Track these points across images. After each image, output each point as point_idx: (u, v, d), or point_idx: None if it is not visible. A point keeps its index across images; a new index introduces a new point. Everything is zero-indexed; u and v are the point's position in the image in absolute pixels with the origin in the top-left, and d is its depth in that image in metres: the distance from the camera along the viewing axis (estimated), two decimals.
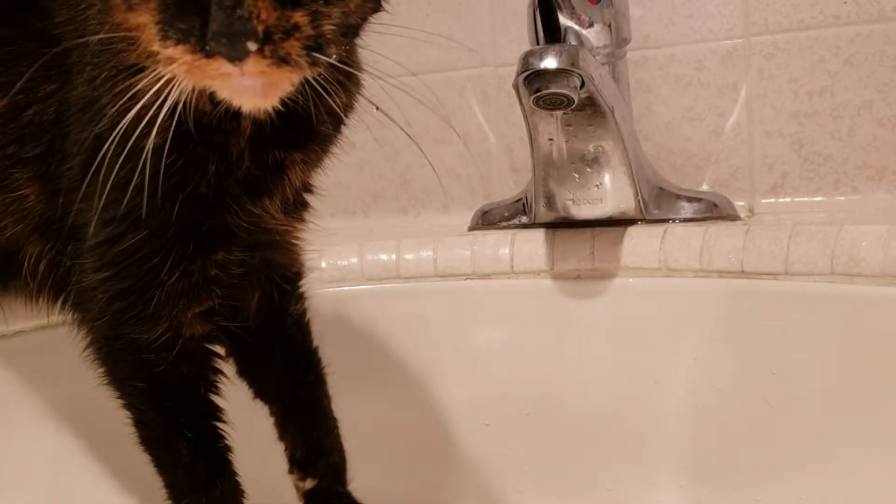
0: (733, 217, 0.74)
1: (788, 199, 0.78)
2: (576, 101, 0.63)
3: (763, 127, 0.78)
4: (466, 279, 0.76)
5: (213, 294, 0.51)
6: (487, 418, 0.74)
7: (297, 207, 0.55)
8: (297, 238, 0.56)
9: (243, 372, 0.60)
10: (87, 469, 0.69)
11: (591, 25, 0.69)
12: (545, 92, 0.62)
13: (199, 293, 0.50)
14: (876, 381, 0.60)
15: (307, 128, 0.49)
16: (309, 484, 0.59)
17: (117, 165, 0.45)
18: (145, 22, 0.39)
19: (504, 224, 0.79)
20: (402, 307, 0.77)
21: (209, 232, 0.49)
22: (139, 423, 0.54)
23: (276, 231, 0.54)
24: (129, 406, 0.54)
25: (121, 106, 0.44)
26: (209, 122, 0.45)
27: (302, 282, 0.59)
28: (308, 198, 0.56)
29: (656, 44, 0.80)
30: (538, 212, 0.74)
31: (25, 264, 0.54)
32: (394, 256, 0.78)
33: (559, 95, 0.62)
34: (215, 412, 0.55)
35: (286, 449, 0.60)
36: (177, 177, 0.46)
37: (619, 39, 0.71)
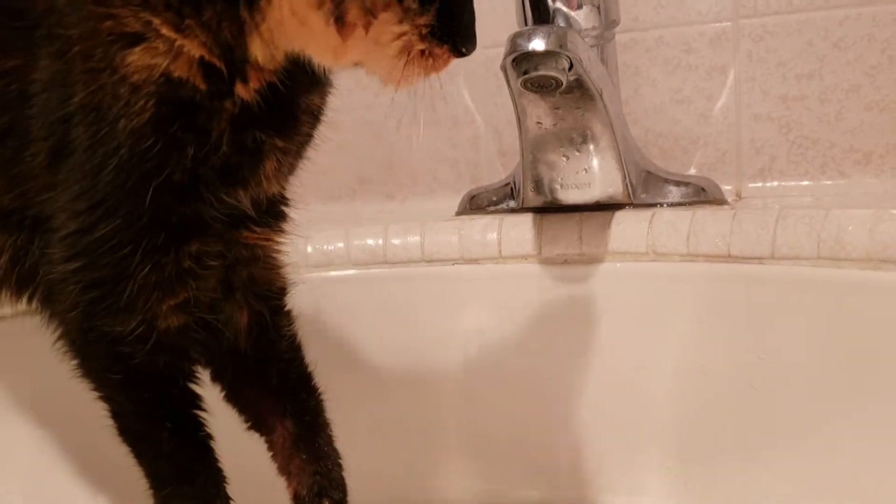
0: (721, 201, 0.74)
1: (776, 184, 0.78)
2: (564, 83, 0.63)
3: (751, 110, 0.78)
4: (454, 264, 0.76)
5: (188, 286, 0.49)
6: (475, 403, 0.74)
7: (275, 217, 0.54)
8: (277, 252, 0.55)
9: (233, 398, 0.57)
10: (66, 459, 0.68)
11: (579, 7, 0.69)
12: (533, 74, 0.61)
13: (172, 285, 0.48)
14: (861, 364, 0.61)
15: (292, 117, 0.48)
16: None
17: (89, 149, 0.44)
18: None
19: (492, 209, 0.78)
20: (390, 292, 0.76)
21: (182, 221, 0.47)
22: (117, 415, 0.52)
23: (257, 246, 0.53)
24: (105, 398, 0.52)
25: (98, 82, 0.43)
26: (196, 101, 0.44)
27: (287, 297, 0.57)
28: (286, 210, 0.54)
29: (645, 26, 0.79)
30: (526, 196, 0.74)
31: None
32: (381, 241, 0.78)
33: (547, 78, 0.62)
34: (194, 401, 0.53)
35: (289, 486, 0.57)
36: (153, 161, 0.44)
37: (607, 21, 0.71)
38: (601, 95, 0.67)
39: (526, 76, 0.62)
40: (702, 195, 0.74)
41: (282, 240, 0.54)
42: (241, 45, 0.44)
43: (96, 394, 0.53)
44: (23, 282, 0.53)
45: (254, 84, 0.45)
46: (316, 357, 0.62)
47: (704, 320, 0.68)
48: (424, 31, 0.43)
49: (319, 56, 0.44)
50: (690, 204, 0.73)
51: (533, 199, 0.74)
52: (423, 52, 0.44)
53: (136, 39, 0.43)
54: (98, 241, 0.46)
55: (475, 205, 0.80)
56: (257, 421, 0.57)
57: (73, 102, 0.44)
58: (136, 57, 0.42)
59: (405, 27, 0.43)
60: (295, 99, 0.47)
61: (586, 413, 0.71)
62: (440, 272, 0.76)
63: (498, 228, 0.75)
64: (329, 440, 0.58)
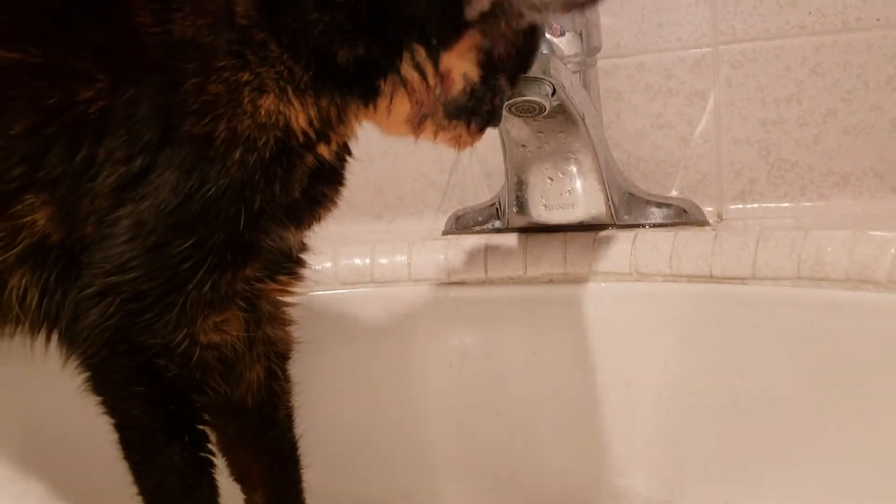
0: (702, 223, 0.75)
1: (756, 205, 0.79)
2: (547, 108, 0.64)
3: (731, 134, 0.79)
4: (440, 284, 0.77)
5: (235, 306, 0.53)
6: (461, 421, 0.74)
7: (297, 263, 0.59)
8: (291, 305, 0.60)
9: (227, 451, 0.60)
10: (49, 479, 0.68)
11: (562, 34, 0.70)
12: (518, 99, 0.62)
13: (223, 303, 0.52)
14: (841, 383, 0.61)
15: (340, 175, 0.57)
16: None
17: (187, 172, 0.48)
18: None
19: (477, 229, 0.79)
20: (376, 311, 0.77)
21: (247, 247, 0.52)
22: (127, 429, 0.53)
23: (278, 302, 0.58)
24: (116, 412, 0.53)
25: (217, 116, 0.48)
26: (295, 150, 0.51)
27: (291, 361, 0.61)
28: (306, 257, 0.60)
29: (626, 52, 0.81)
30: (511, 217, 0.75)
31: (12, 298, 0.52)
32: (368, 261, 0.78)
33: (531, 103, 0.63)
34: (202, 416, 0.55)
35: None
36: (251, 192, 0.50)
37: (589, 48, 0.72)
38: (584, 120, 0.68)
39: (510, 101, 0.63)
40: (684, 216, 0.75)
41: (298, 290, 0.59)
42: (338, 125, 0.53)
43: (105, 407, 0.53)
44: (45, 319, 0.53)
45: (333, 147, 0.54)
46: (302, 377, 0.63)
47: (687, 339, 0.69)
48: (475, 133, 0.56)
49: (391, 136, 0.56)
50: (673, 225, 0.74)
51: (517, 220, 0.75)
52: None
53: (268, 91, 0.50)
54: (167, 255, 0.49)
55: (461, 225, 0.81)
56: (243, 478, 0.61)
57: (179, 131, 0.48)
58: (271, 101, 0.49)
59: (461, 134, 0.56)
60: (344, 160, 0.56)
61: (572, 432, 0.72)
62: (427, 291, 0.77)
63: (484, 248, 0.76)
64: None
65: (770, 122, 0.78)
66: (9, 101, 0.49)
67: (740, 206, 0.80)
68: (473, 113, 0.54)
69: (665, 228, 0.74)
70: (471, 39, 0.51)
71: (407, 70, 0.51)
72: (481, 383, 0.74)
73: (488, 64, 0.52)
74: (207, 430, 0.55)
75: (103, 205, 0.50)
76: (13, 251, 0.51)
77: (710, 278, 0.69)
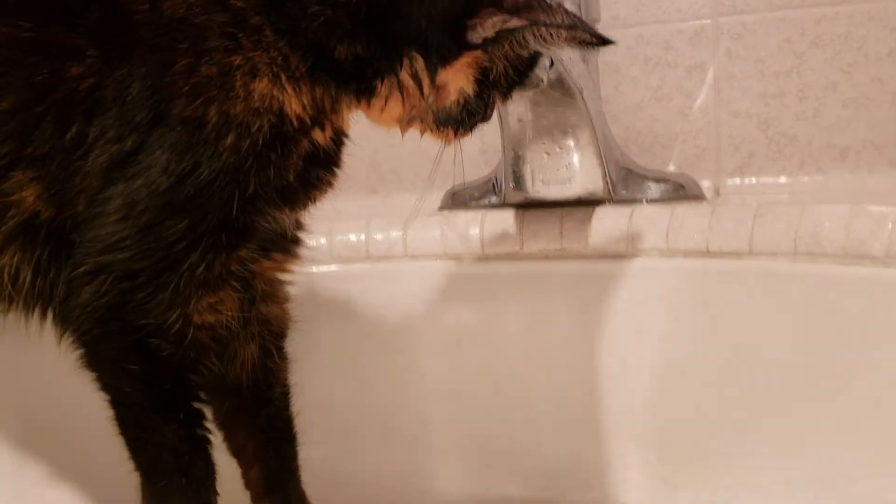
0: (699, 197, 0.75)
1: (754, 180, 0.79)
2: (545, 81, 0.63)
3: (730, 107, 0.79)
4: (436, 260, 0.76)
5: (229, 287, 0.53)
6: (457, 397, 0.74)
7: (294, 242, 0.58)
8: (288, 283, 0.60)
9: (223, 427, 0.60)
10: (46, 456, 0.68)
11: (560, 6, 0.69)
12: None
13: (217, 284, 0.52)
14: (838, 358, 0.62)
15: (337, 158, 0.56)
16: None
17: (179, 155, 0.48)
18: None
19: (474, 204, 0.79)
20: (372, 288, 0.76)
21: (241, 228, 0.51)
22: (121, 406, 0.53)
23: (273, 280, 0.58)
24: (111, 388, 0.53)
25: (209, 99, 0.48)
26: (290, 135, 0.51)
27: (288, 338, 0.61)
28: (302, 235, 0.59)
29: (625, 24, 0.80)
30: (508, 192, 0.75)
31: (4, 277, 0.52)
32: (363, 237, 0.78)
33: None
34: (198, 394, 0.55)
35: None
36: (245, 175, 0.49)
37: (588, 19, 0.71)
38: (581, 93, 0.67)
39: None
40: (681, 192, 0.74)
41: (295, 267, 0.59)
42: (331, 114, 0.53)
43: (99, 384, 0.53)
44: (39, 298, 0.54)
45: (328, 132, 0.54)
46: (297, 354, 0.63)
47: (683, 315, 0.69)
48: (463, 135, 0.57)
49: (378, 126, 0.57)
50: (669, 200, 0.74)
51: (514, 196, 0.74)
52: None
53: (261, 75, 0.49)
54: (160, 236, 0.49)
55: (457, 200, 0.80)
56: (239, 454, 0.61)
57: (170, 112, 0.48)
58: (264, 86, 0.49)
59: (449, 134, 0.56)
60: (340, 143, 0.56)
61: (568, 408, 0.72)
62: (423, 268, 0.76)
63: (480, 224, 0.75)
64: (298, 485, 0.62)
65: (770, 96, 0.77)
66: None
67: (738, 180, 0.79)
68: (462, 123, 0.55)
69: (662, 204, 0.73)
70: (470, 58, 0.52)
71: (405, 76, 0.52)
72: (477, 359, 0.74)
73: (484, 81, 0.53)
74: (203, 407, 0.55)
75: (94, 183, 0.50)
76: (1, 229, 0.50)
77: (707, 254, 0.69)
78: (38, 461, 0.69)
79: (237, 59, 0.49)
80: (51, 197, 0.50)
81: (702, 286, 0.69)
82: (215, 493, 0.55)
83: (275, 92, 0.50)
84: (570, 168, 0.71)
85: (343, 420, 0.72)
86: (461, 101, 0.53)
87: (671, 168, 0.80)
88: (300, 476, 0.62)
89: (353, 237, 0.78)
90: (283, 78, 0.50)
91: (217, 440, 0.58)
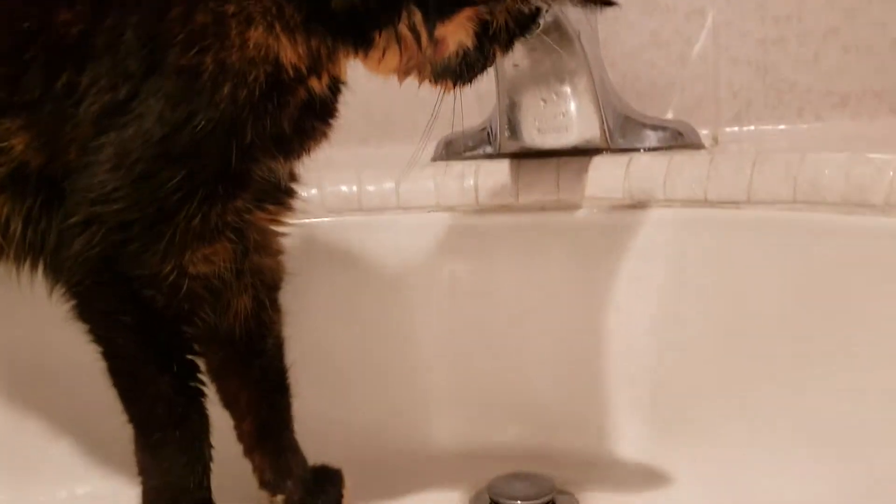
0: (697, 146, 0.74)
1: (752, 128, 0.78)
2: (541, 24, 0.61)
3: (729, 53, 0.77)
4: (430, 211, 0.75)
5: (225, 237, 0.52)
6: (452, 349, 0.74)
7: (287, 194, 0.57)
8: (282, 235, 0.59)
9: (216, 378, 0.60)
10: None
11: None
12: None
13: (212, 235, 0.51)
14: (837, 307, 0.61)
15: (333, 107, 0.56)
16: (280, 499, 0.61)
17: (174, 105, 0.47)
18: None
19: (468, 154, 0.77)
20: (365, 240, 0.75)
21: (237, 178, 0.51)
22: (115, 357, 0.53)
23: (267, 230, 0.57)
24: (104, 340, 0.53)
25: (203, 48, 0.47)
26: (286, 84, 0.50)
27: (281, 290, 0.61)
28: (296, 187, 0.59)
29: None
30: (503, 142, 0.73)
31: None
32: (355, 188, 0.76)
33: None
34: (192, 346, 0.55)
35: (255, 469, 0.61)
36: (241, 126, 0.49)
37: None
38: (578, 37, 0.66)
39: None
40: (679, 140, 0.74)
41: (288, 219, 0.58)
42: (328, 63, 0.52)
43: (92, 335, 0.53)
44: (31, 249, 0.53)
45: (325, 81, 0.53)
46: (290, 306, 0.62)
47: (680, 265, 0.68)
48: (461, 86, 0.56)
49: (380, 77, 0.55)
50: (667, 149, 0.73)
51: (509, 145, 0.73)
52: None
53: (256, 24, 0.48)
54: (154, 186, 0.48)
55: (451, 150, 0.78)
56: (232, 406, 0.61)
57: (165, 61, 0.47)
58: (259, 34, 0.48)
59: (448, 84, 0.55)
60: (337, 91, 0.55)
61: (564, 359, 0.72)
62: (416, 219, 0.75)
63: (475, 175, 0.74)
64: (291, 436, 0.62)
65: (769, 41, 0.76)
66: None
67: (736, 128, 0.78)
68: (461, 76, 0.54)
69: (660, 152, 0.72)
70: (470, 12, 0.51)
71: (402, 29, 0.50)
72: (472, 311, 0.74)
73: (484, 34, 0.52)
74: (197, 359, 0.55)
75: (86, 132, 0.49)
76: None
77: (705, 203, 0.68)
78: (33, 408, 0.68)
79: (231, 8, 0.48)
80: (41, 145, 0.50)
81: (700, 235, 0.68)
82: (209, 445, 0.55)
83: (270, 41, 0.49)
84: (566, 115, 0.70)
85: (337, 371, 0.72)
86: (460, 53, 0.52)
87: (669, 115, 0.79)
88: (293, 427, 0.62)
89: (344, 188, 0.77)
90: (278, 27, 0.49)
91: (210, 393, 0.57)
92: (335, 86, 0.54)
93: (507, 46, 0.55)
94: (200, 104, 0.48)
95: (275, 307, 0.61)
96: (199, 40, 0.48)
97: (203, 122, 0.48)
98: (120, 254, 0.50)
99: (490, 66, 0.56)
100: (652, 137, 0.73)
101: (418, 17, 0.50)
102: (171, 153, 0.48)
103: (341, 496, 0.61)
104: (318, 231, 0.76)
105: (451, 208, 0.75)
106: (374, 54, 0.52)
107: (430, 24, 0.50)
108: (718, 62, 0.78)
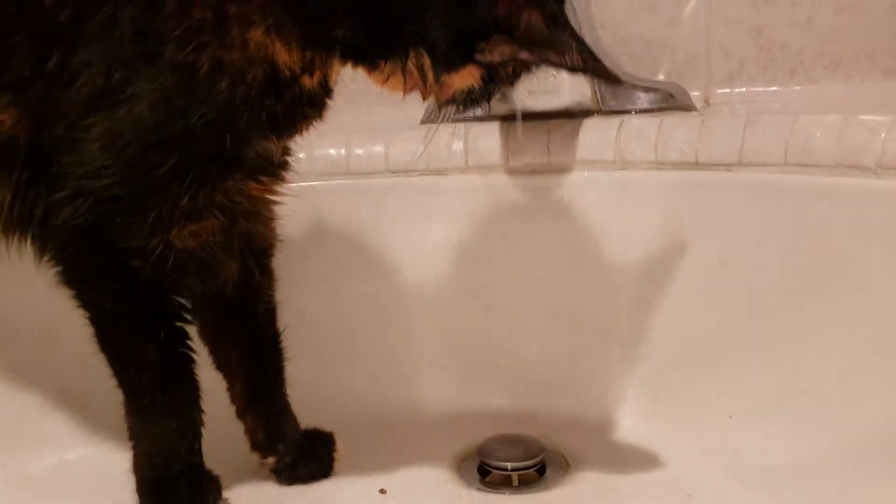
0: (689, 107, 0.73)
1: (744, 89, 0.78)
2: None
3: (721, 14, 0.77)
4: (420, 175, 0.74)
5: (212, 215, 0.52)
6: (442, 312, 0.74)
7: (281, 167, 0.57)
8: (275, 203, 0.59)
9: (208, 340, 0.60)
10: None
11: None
12: None
13: (200, 213, 0.52)
14: (828, 269, 0.61)
15: (326, 94, 0.55)
16: (271, 461, 0.61)
17: (169, 98, 0.48)
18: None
19: (458, 117, 0.76)
20: (354, 204, 0.75)
21: (229, 160, 0.51)
22: (102, 323, 0.53)
23: (259, 199, 0.57)
24: (91, 305, 0.53)
25: (200, 45, 0.47)
26: (280, 82, 0.50)
27: (273, 256, 0.61)
28: (289, 160, 0.58)
29: None
30: (493, 104, 0.72)
31: None
32: (343, 151, 0.76)
33: None
34: (182, 314, 0.54)
35: (247, 431, 0.61)
36: (237, 118, 0.49)
37: None
38: None
39: None
40: (670, 101, 0.73)
41: (281, 189, 0.58)
42: (323, 67, 0.52)
43: (78, 301, 0.53)
44: (19, 220, 0.53)
45: (317, 77, 0.52)
46: (282, 271, 0.61)
47: (671, 228, 0.68)
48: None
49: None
50: (659, 111, 0.73)
51: (500, 107, 0.72)
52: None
53: (256, 25, 0.48)
54: (144, 168, 0.49)
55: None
56: (224, 368, 0.61)
57: (161, 55, 0.47)
58: (259, 35, 0.48)
59: None
60: (329, 82, 0.55)
61: (554, 322, 0.72)
62: (406, 183, 0.74)
63: (464, 138, 0.73)
64: (284, 399, 0.62)
65: (761, 2, 0.76)
66: None
67: (728, 90, 0.78)
68: (464, 105, 0.54)
69: (651, 114, 0.72)
70: (476, 66, 0.50)
71: (410, 65, 0.51)
72: (462, 275, 0.74)
73: (491, 79, 0.52)
74: (186, 326, 0.55)
75: (76, 110, 0.49)
76: None
77: (696, 165, 0.68)
78: (21, 380, 0.68)
79: (233, 8, 0.48)
80: (29, 120, 0.50)
81: (690, 199, 0.68)
82: (200, 410, 0.55)
83: (268, 42, 0.49)
84: (557, 77, 0.69)
85: (327, 335, 0.72)
86: (465, 90, 0.52)
87: (660, 77, 0.78)
88: (286, 390, 0.62)
89: (332, 151, 0.76)
90: (274, 35, 0.49)
91: (203, 356, 0.58)
92: (327, 83, 0.54)
93: (514, 83, 0.54)
94: (196, 99, 0.48)
95: (265, 272, 0.60)
96: (196, 37, 0.48)
97: (197, 116, 0.48)
98: (106, 224, 0.50)
99: (494, 97, 0.56)
100: (643, 99, 0.73)
101: (427, 62, 0.50)
102: (164, 140, 0.49)
103: (333, 459, 0.61)
104: (308, 195, 0.75)
105: (440, 171, 0.74)
106: (378, 75, 0.52)
107: (438, 73, 0.50)
108: (710, 23, 0.77)
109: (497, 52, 0.49)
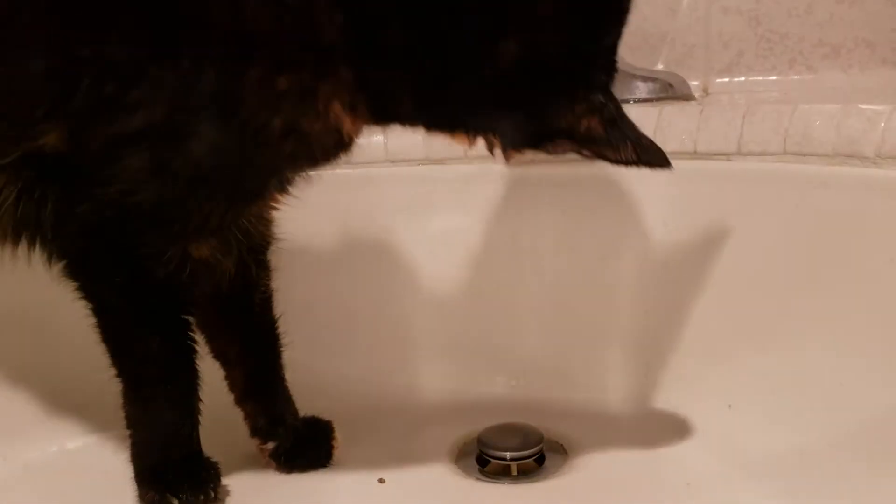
0: (688, 97, 0.73)
1: (743, 79, 0.78)
2: None
3: (720, 3, 0.77)
4: (419, 164, 0.74)
5: (230, 233, 0.55)
6: (441, 300, 0.74)
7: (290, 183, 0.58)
8: (274, 208, 0.59)
9: (206, 330, 0.60)
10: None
11: None
12: None
13: (220, 232, 0.54)
14: (826, 259, 0.61)
15: None
16: (271, 445, 0.61)
17: (240, 152, 0.49)
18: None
19: None
20: (354, 193, 0.75)
21: (258, 193, 0.54)
22: (105, 315, 0.53)
23: (263, 205, 0.58)
24: (95, 297, 0.53)
25: (277, 110, 0.48)
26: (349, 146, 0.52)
27: (271, 251, 0.61)
28: None
29: None
30: None
31: None
32: None
33: None
34: (186, 306, 0.55)
35: (246, 418, 0.61)
36: (290, 168, 0.53)
37: None
38: None
39: None
40: (669, 91, 0.73)
41: (282, 198, 0.58)
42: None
43: (82, 292, 0.53)
44: (24, 222, 0.52)
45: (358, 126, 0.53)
46: (278, 262, 0.61)
47: (670, 218, 0.68)
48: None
49: None
50: (658, 100, 0.73)
51: None
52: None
53: (340, 101, 0.49)
54: (183, 196, 0.50)
55: None
56: (222, 357, 0.61)
57: (235, 116, 0.48)
58: (338, 108, 0.49)
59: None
60: None
61: (553, 311, 0.72)
62: (405, 173, 0.74)
63: None
64: (283, 385, 0.62)
65: None
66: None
67: (727, 79, 0.78)
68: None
69: (650, 104, 0.72)
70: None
71: (477, 136, 0.52)
72: (461, 263, 0.74)
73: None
74: (189, 318, 0.55)
75: (125, 134, 0.48)
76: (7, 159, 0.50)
77: (695, 155, 0.68)
78: (21, 369, 0.68)
79: (324, 87, 0.48)
80: (68, 139, 0.49)
81: (689, 188, 0.68)
82: (198, 399, 0.55)
83: (343, 115, 0.50)
84: None
85: (327, 324, 0.72)
86: None
87: (659, 67, 0.78)
88: (284, 376, 0.62)
89: None
90: (350, 110, 0.50)
91: (200, 345, 0.57)
92: None
93: None
94: (259, 157, 0.49)
95: (262, 266, 0.61)
96: (275, 104, 0.48)
97: (252, 168, 0.50)
98: (126, 229, 0.50)
99: None
100: (642, 89, 0.73)
101: (495, 140, 0.51)
102: (211, 181, 0.49)
103: (332, 448, 0.61)
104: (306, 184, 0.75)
105: (439, 161, 0.74)
106: (440, 135, 0.53)
107: (505, 149, 0.51)
108: (709, 12, 0.77)
109: (560, 148, 0.51)
